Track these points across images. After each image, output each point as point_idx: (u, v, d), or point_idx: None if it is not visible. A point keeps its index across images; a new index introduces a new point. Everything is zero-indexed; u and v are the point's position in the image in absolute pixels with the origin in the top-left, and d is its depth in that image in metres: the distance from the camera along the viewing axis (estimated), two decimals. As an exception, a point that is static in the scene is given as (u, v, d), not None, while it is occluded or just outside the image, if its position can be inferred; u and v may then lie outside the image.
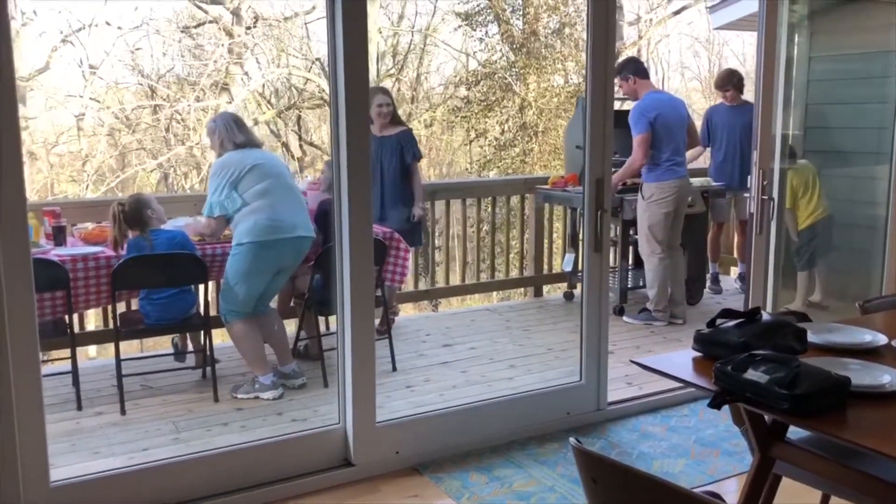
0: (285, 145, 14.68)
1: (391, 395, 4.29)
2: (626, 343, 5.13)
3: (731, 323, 2.39)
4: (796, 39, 5.83)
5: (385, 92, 5.39)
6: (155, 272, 3.98)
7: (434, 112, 15.02)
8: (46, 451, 2.81)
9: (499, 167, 13.98)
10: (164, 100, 13.80)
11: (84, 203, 5.26)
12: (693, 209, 5.69)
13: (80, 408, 4.05)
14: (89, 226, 4.37)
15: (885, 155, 4.78)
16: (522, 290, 7.00)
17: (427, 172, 15.83)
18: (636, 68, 5.43)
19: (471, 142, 14.93)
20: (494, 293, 7.45)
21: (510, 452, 3.57)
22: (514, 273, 6.51)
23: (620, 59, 5.75)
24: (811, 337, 2.45)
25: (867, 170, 5.15)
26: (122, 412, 4.01)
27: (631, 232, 6.09)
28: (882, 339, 2.47)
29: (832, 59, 5.49)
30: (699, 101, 18.77)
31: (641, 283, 6.08)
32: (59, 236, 4.26)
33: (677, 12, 14.72)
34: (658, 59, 18.04)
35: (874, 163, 4.97)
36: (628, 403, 4.03)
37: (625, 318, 5.53)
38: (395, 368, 4.63)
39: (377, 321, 4.85)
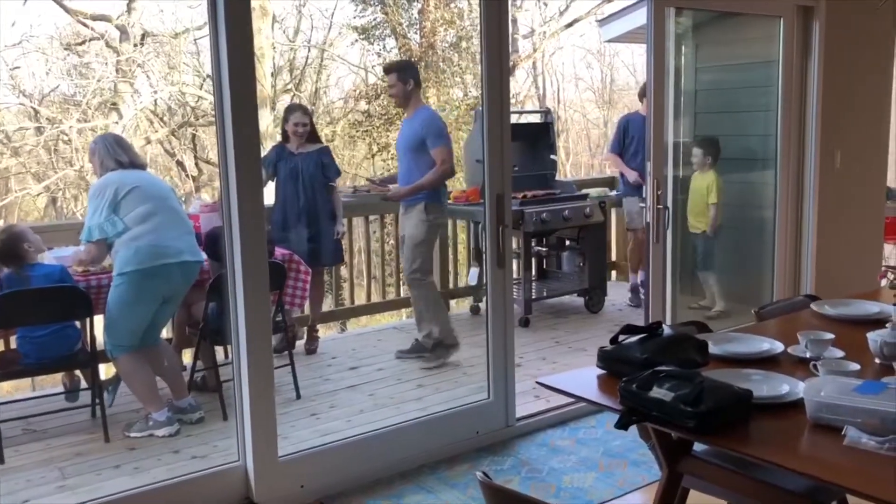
0: (180, 164, 14.24)
1: (295, 424, 4.13)
2: (532, 355, 5.13)
3: (634, 339, 2.37)
4: (683, 50, 6.01)
5: (303, 110, 5.17)
6: (33, 308, 3.71)
7: (335, 126, 14.85)
8: None
9: (402, 181, 13.92)
10: (49, 120, 13.16)
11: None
12: (591, 219, 5.76)
13: (-48, 459, 3.73)
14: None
15: (771, 161, 4.94)
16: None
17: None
18: (417, 76, 4.94)
19: (373, 156, 14.84)
20: (403, 310, 7.35)
21: (420, 477, 3.48)
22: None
23: (402, 60, 5.61)
24: (713, 348, 2.46)
25: (755, 175, 5.32)
26: (1, 460, 3.71)
27: (534, 243, 6.14)
28: (779, 347, 2.51)
29: (718, 69, 5.67)
30: (593, 111, 19.27)
31: (546, 294, 6.12)
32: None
33: (569, 25, 15.06)
34: (552, 70, 18.43)
35: (761, 168, 5.14)
36: (537, 418, 4.00)
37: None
38: (298, 396, 4.46)
39: (276, 342, 4.74)
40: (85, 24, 13.56)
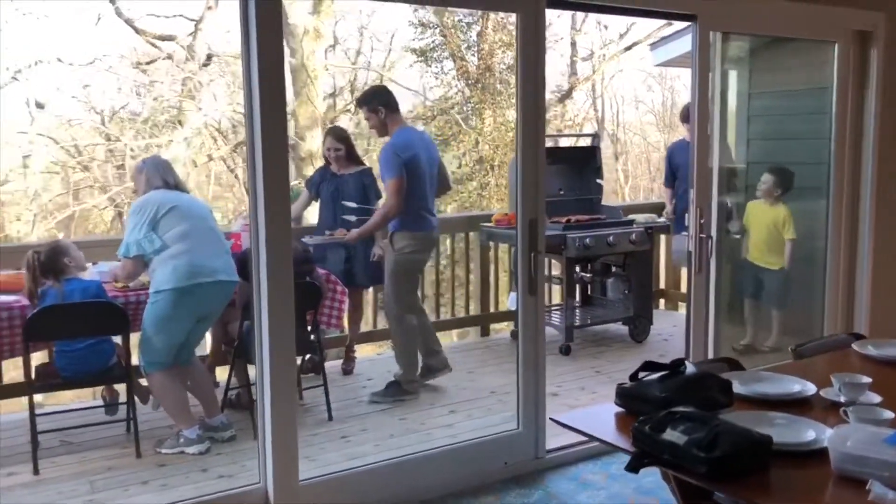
0: (237, 178, 14.50)
1: (325, 446, 4.11)
2: (571, 384, 5.01)
3: (654, 376, 2.28)
4: (735, 76, 5.86)
5: (336, 135, 5.13)
6: (70, 322, 3.78)
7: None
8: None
9: (457, 201, 13.95)
10: (118, 137, 13.58)
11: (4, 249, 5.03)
12: (637, 246, 5.63)
13: (-11, 468, 3.81)
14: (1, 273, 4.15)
15: (822, 190, 4.76)
16: (469, 329, 6.86)
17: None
18: (387, 100, 4.73)
19: (429, 177, 14.86)
20: (453, 331, 7.33)
21: (444, 507, 3.42)
22: (461, 312, 6.34)
23: (367, 89, 5.19)
24: (739, 388, 2.35)
25: (805, 204, 5.13)
26: (36, 472, 3.77)
27: (578, 269, 6.04)
28: (811, 389, 2.38)
29: (771, 95, 5.51)
30: (654, 135, 18.98)
31: (589, 322, 6.00)
32: (-33, 286, 4.04)
33: (629, 48, 14.90)
34: (613, 93, 18.26)
35: (812, 197, 4.96)
36: (569, 450, 3.89)
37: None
38: (331, 417, 4.44)
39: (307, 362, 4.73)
40: (153, 44, 13.97)
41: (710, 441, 1.85)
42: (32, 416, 3.85)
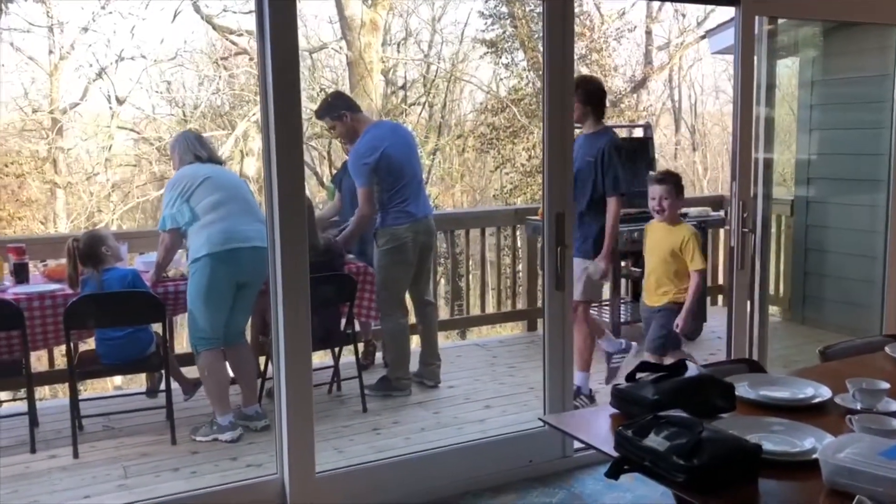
0: (315, 173, 14.72)
1: (354, 438, 4.12)
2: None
3: (651, 377, 2.17)
4: (797, 63, 5.59)
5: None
6: (107, 311, 3.89)
7: (466, 139, 14.91)
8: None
9: (525, 194, 13.83)
10: (200, 130, 13.97)
11: (56, 238, 5.21)
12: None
13: (33, 450, 3.94)
14: (50, 263, 4.31)
15: (882, 182, 4.49)
16: (515, 323, 6.77)
17: (461, 198, 15.77)
18: (348, 103, 4.63)
19: (496, 168, 14.80)
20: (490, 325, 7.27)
21: (461, 504, 3.37)
22: (507, 306, 6.26)
23: (323, 100, 4.83)
24: (746, 391, 2.23)
25: (863, 197, 4.86)
26: (75, 455, 3.90)
27: (629, 263, 5.88)
28: (826, 394, 2.23)
29: (830, 83, 5.25)
30: (734, 124, 18.32)
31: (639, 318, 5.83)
32: (20, 274, 4.20)
33: (703, 37, 14.41)
34: (690, 82, 17.76)
35: (870, 190, 4.68)
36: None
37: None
38: (365, 409, 4.44)
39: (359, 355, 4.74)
40: (230, 40, 14.31)
41: (692, 448, 1.75)
42: (74, 400, 3.99)
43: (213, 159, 4.14)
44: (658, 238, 4.13)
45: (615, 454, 1.91)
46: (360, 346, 4.90)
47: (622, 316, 5.60)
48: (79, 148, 13.59)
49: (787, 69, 5.82)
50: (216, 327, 4.01)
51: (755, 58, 3.85)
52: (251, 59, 13.98)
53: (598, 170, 4.25)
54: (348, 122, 4.53)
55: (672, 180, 4.07)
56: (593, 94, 4.34)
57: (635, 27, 15.14)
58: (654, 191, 4.05)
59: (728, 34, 6.04)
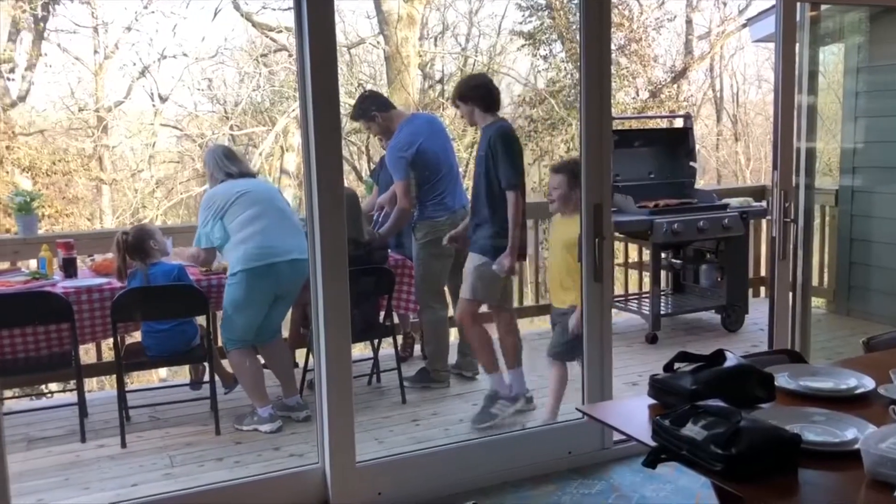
0: (354, 168, 14.82)
1: (394, 429, 4.16)
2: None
3: (689, 367, 2.17)
4: (843, 50, 5.48)
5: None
6: (153, 304, 3.98)
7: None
8: (8, 490, 2.80)
9: (567, 185, 13.72)
10: (239, 126, 14.15)
11: (103, 234, 5.32)
12: (730, 231, 5.38)
13: (83, 440, 4.06)
14: (97, 257, 4.41)
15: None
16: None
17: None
18: (378, 103, 4.66)
19: (535, 161, 14.74)
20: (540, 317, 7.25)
21: (501, 495, 3.38)
22: (545, 299, 6.25)
23: (355, 103, 4.81)
24: (786, 381, 2.21)
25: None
26: (123, 445, 4.00)
27: (670, 255, 5.84)
28: (869, 384, 2.20)
29: (881, 69, 5.13)
30: (779, 114, 18.00)
31: (679, 309, 5.80)
32: (69, 268, 4.31)
33: (745, 24, 14.18)
34: (732, 71, 17.49)
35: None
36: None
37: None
38: (404, 401, 4.48)
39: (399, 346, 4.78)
40: (269, 37, 14.44)
41: (729, 437, 1.74)
42: (121, 391, 4.09)
43: (245, 173, 4.17)
44: (557, 232, 4.00)
45: (653, 444, 1.91)
46: (399, 338, 4.94)
47: (662, 308, 5.55)
48: (123, 145, 13.84)
49: (833, 56, 5.71)
50: (248, 332, 4.10)
51: (797, 45, 3.80)
52: (290, 56, 14.14)
53: (490, 164, 3.98)
54: (380, 120, 4.59)
55: (567, 169, 3.85)
56: (471, 92, 4.13)
57: (675, 16, 14.96)
58: (550, 181, 3.92)
59: (770, 22, 5.94)
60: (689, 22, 15.66)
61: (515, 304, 6.24)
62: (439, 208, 4.53)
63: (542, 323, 7.64)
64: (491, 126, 4.09)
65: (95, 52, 13.30)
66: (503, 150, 3.96)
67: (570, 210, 3.84)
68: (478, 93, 4.13)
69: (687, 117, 6.12)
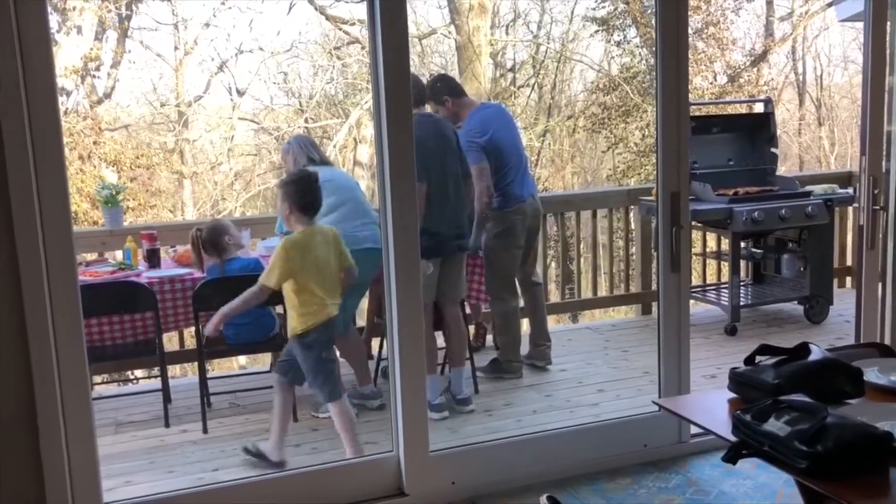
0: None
1: (468, 419, 4.17)
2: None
3: (771, 361, 2.10)
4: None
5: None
6: (231, 295, 4.04)
7: (576, 120, 14.72)
8: (98, 472, 2.90)
9: (639, 174, 13.54)
10: (314, 118, 14.37)
11: (184, 225, 5.48)
12: (814, 220, 5.19)
13: (167, 425, 4.20)
14: (179, 248, 4.55)
15: None
16: (628, 307, 6.66)
17: (571, 180, 15.61)
18: (450, 88, 4.61)
19: (608, 149, 14.55)
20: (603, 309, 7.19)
21: (576, 487, 3.35)
22: (620, 289, 6.17)
23: (427, 84, 4.69)
24: (876, 377, 2.13)
25: None
26: (205, 430, 4.12)
27: (750, 244, 5.69)
28: (966, 381, 2.09)
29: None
30: (867, 96, 17.29)
31: (760, 300, 5.65)
32: (153, 259, 4.46)
33: (830, 3, 13.64)
34: (816, 53, 16.85)
35: None
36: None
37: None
38: (476, 391, 4.49)
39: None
40: (342, 29, 14.60)
41: (815, 434, 1.69)
42: (203, 378, 4.22)
43: (325, 161, 4.27)
44: None
45: (733, 439, 1.86)
46: (471, 328, 4.95)
47: (742, 299, 5.41)
48: (203, 139, 14.24)
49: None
50: None
51: (888, 24, 3.63)
52: (363, 48, 14.26)
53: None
54: (450, 105, 4.54)
55: None
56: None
57: (755, -3, 14.52)
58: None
59: (858, 0, 5.71)
60: (769, 3, 15.16)
61: (591, 295, 6.19)
62: (508, 198, 4.52)
63: (616, 314, 7.58)
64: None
65: (176, 48, 13.69)
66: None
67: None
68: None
69: (767, 101, 5.92)
